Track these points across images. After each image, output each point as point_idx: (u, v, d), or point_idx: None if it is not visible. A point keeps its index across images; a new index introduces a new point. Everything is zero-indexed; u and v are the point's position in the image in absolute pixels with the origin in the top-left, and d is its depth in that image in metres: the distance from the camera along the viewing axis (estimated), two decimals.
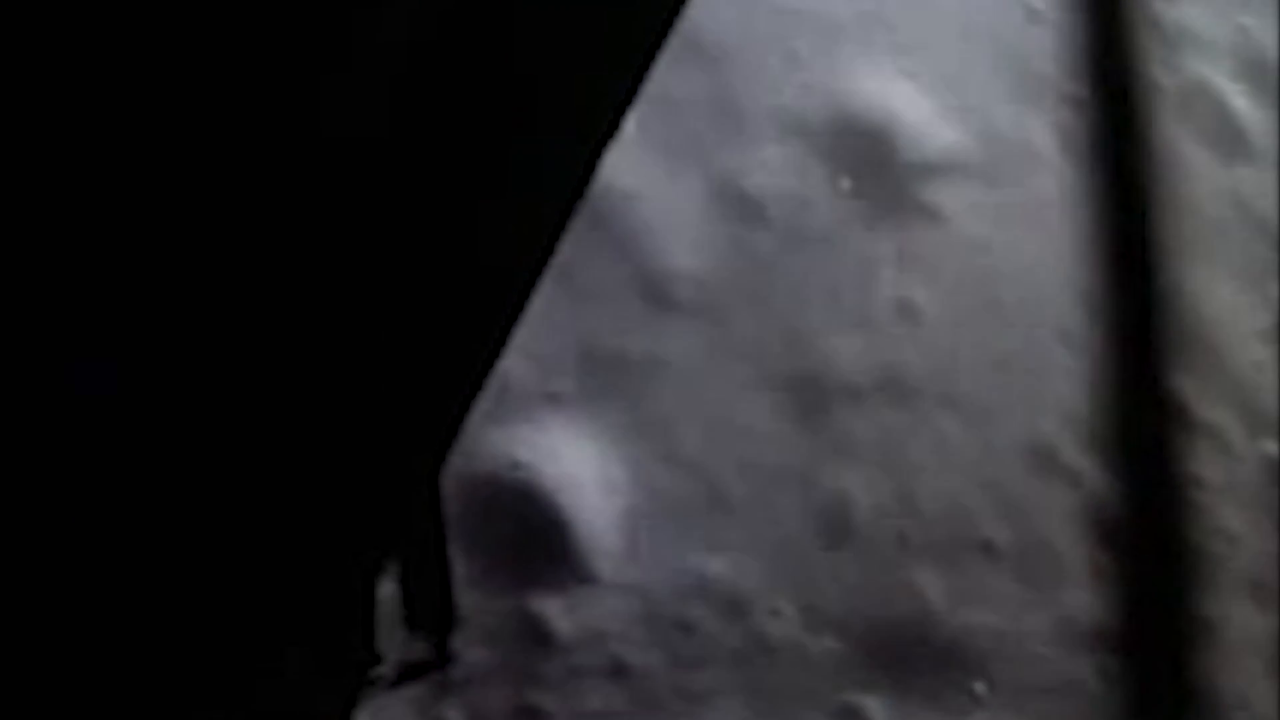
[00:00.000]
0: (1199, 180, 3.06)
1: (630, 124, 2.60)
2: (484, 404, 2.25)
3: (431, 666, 1.94)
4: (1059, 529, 2.59)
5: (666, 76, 2.68)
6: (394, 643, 1.96)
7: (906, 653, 2.38)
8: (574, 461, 2.29)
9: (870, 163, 2.76)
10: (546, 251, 2.26)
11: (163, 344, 1.82)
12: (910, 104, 2.86)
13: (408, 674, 1.92)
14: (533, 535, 2.23)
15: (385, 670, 1.93)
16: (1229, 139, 3.13)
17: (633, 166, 2.57)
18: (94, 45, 1.87)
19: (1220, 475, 2.76)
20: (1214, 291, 2.94)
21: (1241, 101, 3.19)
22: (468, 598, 2.12)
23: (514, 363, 2.30)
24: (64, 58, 1.86)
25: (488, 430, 2.24)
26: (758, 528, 2.37)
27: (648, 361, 2.41)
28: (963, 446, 2.57)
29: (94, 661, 1.71)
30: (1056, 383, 2.70)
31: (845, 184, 2.71)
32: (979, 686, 2.40)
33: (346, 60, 2.01)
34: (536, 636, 2.13)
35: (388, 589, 1.98)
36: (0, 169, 1.83)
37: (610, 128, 2.41)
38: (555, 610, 2.17)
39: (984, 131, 2.90)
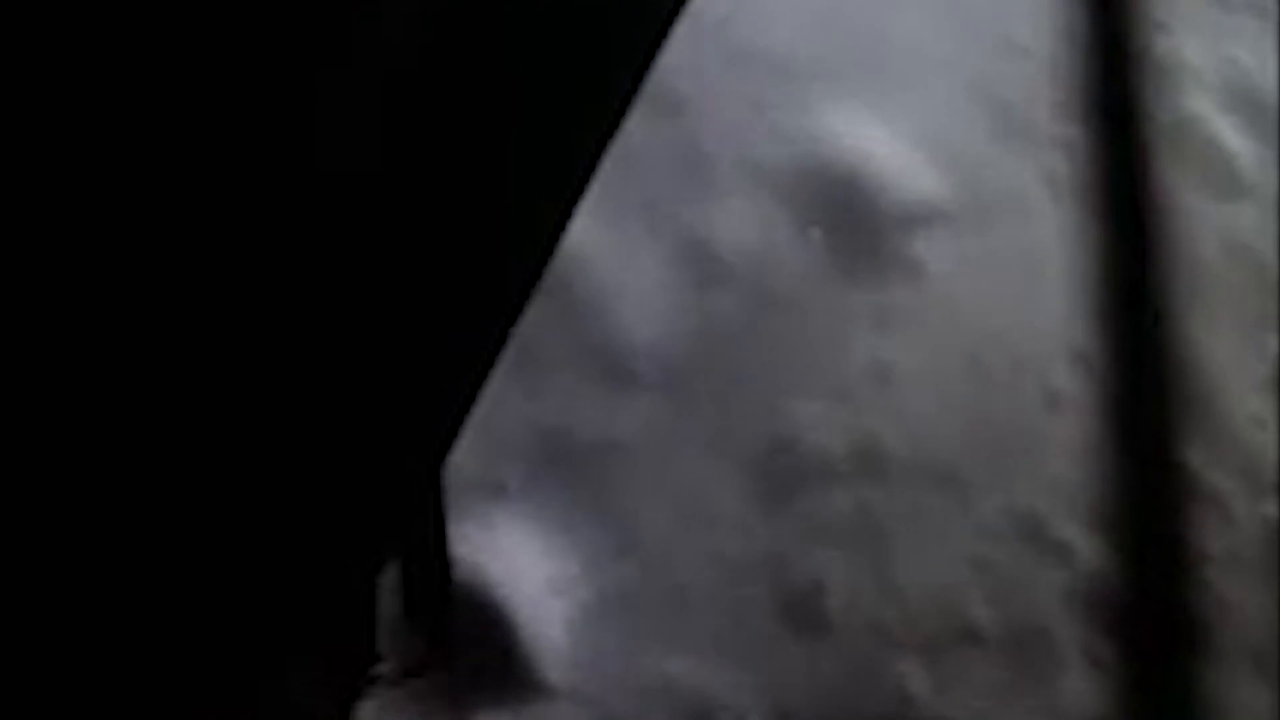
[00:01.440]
0: (1193, 222, 2.83)
1: None
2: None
3: (431, 666, 1.87)
4: (1050, 610, 2.35)
5: (624, 126, 2.44)
6: (394, 643, 1.86)
7: None
8: (520, 557, 2.05)
9: (843, 214, 2.52)
10: (548, 251, 2.10)
11: (161, 344, 1.76)
12: (885, 149, 2.62)
13: (408, 674, 1.85)
14: (475, 641, 1.99)
15: (385, 670, 1.83)
16: (1224, 177, 2.90)
17: (587, 226, 2.33)
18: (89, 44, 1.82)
19: (1221, 544, 2.53)
20: (1211, 343, 2.70)
21: (1234, 136, 2.96)
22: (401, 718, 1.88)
23: (455, 448, 2.06)
24: (56, 60, 1.81)
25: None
26: (723, 622, 2.13)
27: (603, 444, 2.17)
28: (946, 523, 2.34)
29: (94, 662, 1.65)
30: (1046, 449, 2.46)
31: (816, 238, 2.47)
32: None
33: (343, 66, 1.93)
34: None
35: (388, 589, 1.87)
36: None
37: (578, 189, 2.19)
38: None
39: (965, 177, 2.66)
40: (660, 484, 2.17)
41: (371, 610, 1.83)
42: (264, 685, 1.70)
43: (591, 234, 2.34)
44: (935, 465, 2.36)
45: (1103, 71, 2.92)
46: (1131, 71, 2.94)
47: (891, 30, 2.73)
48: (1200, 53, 3.01)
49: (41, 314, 1.75)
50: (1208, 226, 2.83)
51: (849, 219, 2.51)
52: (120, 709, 1.65)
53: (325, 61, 1.92)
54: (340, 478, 1.81)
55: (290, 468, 1.78)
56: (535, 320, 2.23)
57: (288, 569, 1.74)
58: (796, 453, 2.28)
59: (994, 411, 2.45)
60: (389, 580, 1.87)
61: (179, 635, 1.69)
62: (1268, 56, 3.06)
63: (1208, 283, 2.76)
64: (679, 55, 2.56)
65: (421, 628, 1.90)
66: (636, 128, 2.46)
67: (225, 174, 1.84)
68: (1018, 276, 2.59)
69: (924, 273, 2.51)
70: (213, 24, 1.86)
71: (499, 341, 2.01)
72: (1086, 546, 2.41)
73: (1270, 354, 2.74)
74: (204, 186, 1.84)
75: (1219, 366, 2.68)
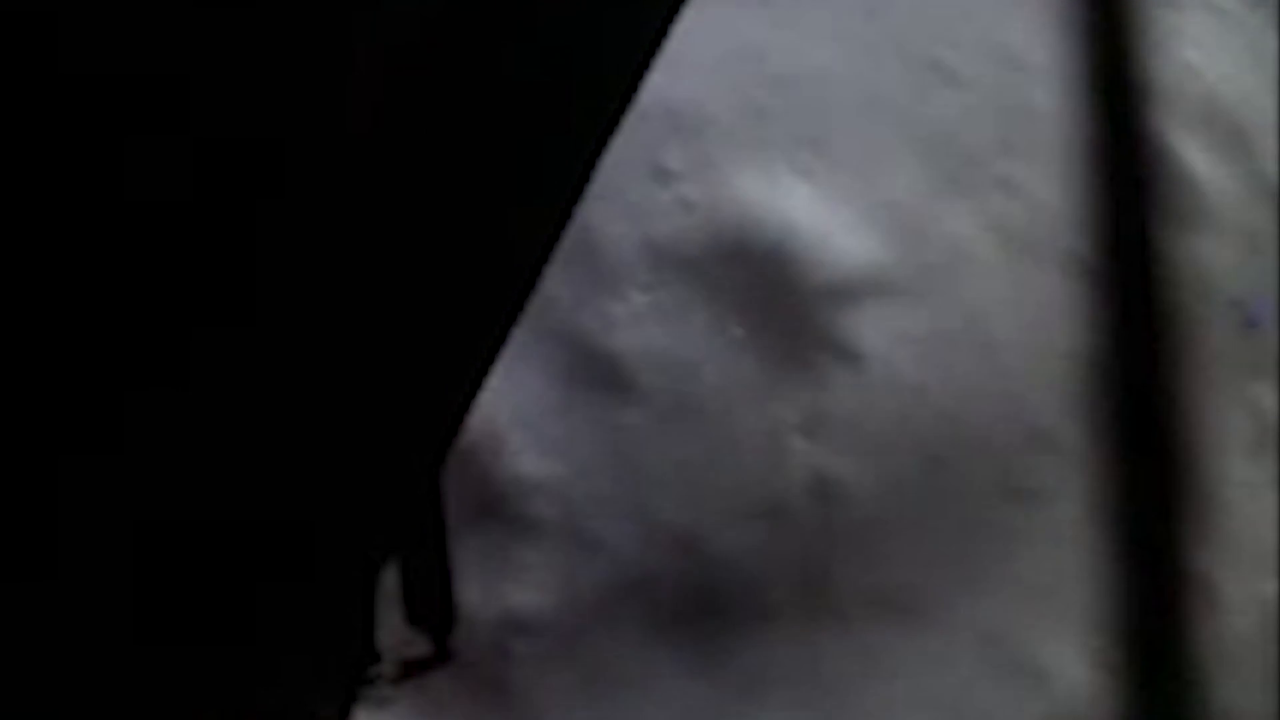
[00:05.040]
0: (1160, 262, 2.46)
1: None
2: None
3: (431, 664, 1.77)
4: None
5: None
6: (394, 641, 1.74)
7: None
8: None
9: (766, 296, 2.13)
10: (547, 249, 1.96)
11: (163, 344, 1.74)
12: (811, 211, 2.22)
13: (408, 672, 1.76)
14: None
15: (385, 669, 1.73)
16: (1189, 205, 2.53)
17: None
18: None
19: (1215, 639, 2.18)
20: (1193, 404, 2.34)
21: (1198, 156, 2.58)
22: None
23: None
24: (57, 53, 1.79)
25: None
26: None
27: (500, 620, 1.78)
28: (906, 661, 1.96)
29: (95, 662, 1.62)
30: (1013, 555, 2.09)
31: (737, 331, 2.08)
32: None
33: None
34: None
35: (388, 587, 1.75)
36: None
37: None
38: None
39: (903, 234, 2.27)
40: (566, 656, 1.78)
41: (371, 610, 1.75)
42: (264, 685, 1.65)
43: None
44: (890, 592, 1.99)
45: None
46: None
47: (811, 69, 2.33)
48: (1154, 61, 2.63)
49: (43, 300, 1.73)
50: (1177, 260, 2.46)
51: (773, 303, 2.11)
52: (121, 709, 1.61)
53: (326, 65, 1.87)
54: (341, 478, 1.75)
55: (291, 469, 1.74)
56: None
57: (289, 569, 1.70)
58: (728, 594, 1.90)
59: (952, 517, 2.07)
60: (389, 581, 1.76)
61: (179, 635, 1.65)
62: (1225, 59, 2.69)
63: (1183, 329, 2.40)
64: None
65: (421, 629, 1.79)
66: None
67: (231, 154, 1.81)
68: (969, 350, 2.21)
69: (863, 358, 2.12)
70: (213, 24, 1.83)
71: (499, 339, 1.88)
72: (1064, 667, 2.05)
73: (1259, 409, 2.37)
74: (205, 188, 1.80)
75: (1204, 432, 2.32)
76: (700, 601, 1.86)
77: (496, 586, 1.75)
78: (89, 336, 1.74)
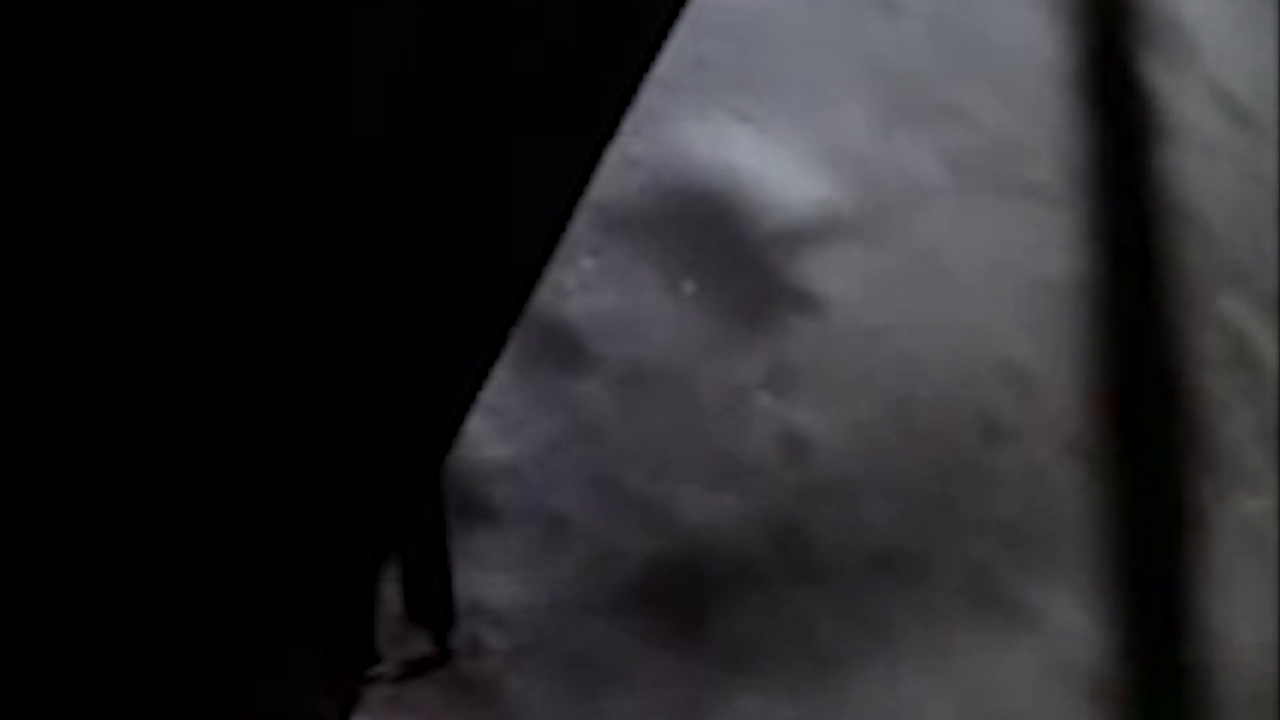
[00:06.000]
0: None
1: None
2: None
3: (432, 664, 1.74)
4: (1024, 696, 1.92)
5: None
6: (395, 641, 1.70)
7: None
8: None
9: (717, 249, 2.04)
10: (550, 246, 1.93)
11: (162, 343, 1.74)
12: (756, 157, 2.13)
13: (408, 672, 1.73)
14: None
15: (385, 670, 1.69)
16: (1146, 120, 2.45)
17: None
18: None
19: (1204, 561, 2.12)
20: (1164, 320, 2.27)
21: (1156, 71, 2.51)
22: None
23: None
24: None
25: None
26: None
27: (468, 609, 1.69)
28: (891, 617, 1.89)
29: (94, 661, 1.61)
30: (991, 494, 2.02)
31: (689, 287, 1.99)
32: None
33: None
34: None
35: (389, 586, 1.71)
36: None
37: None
38: None
39: (853, 172, 2.18)
40: (544, 649, 1.70)
41: (371, 610, 1.73)
42: (264, 685, 1.64)
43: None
44: (869, 545, 1.91)
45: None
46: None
47: (749, 11, 2.22)
48: None
49: (42, 301, 1.72)
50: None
51: (726, 255, 2.02)
52: (120, 708, 1.60)
53: (326, 65, 1.86)
54: (340, 477, 1.74)
55: (291, 466, 1.73)
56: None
57: (288, 568, 1.69)
58: (705, 563, 1.82)
59: (927, 462, 1.99)
60: (389, 580, 1.73)
61: (178, 633, 1.64)
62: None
63: (1150, 248, 2.32)
64: None
65: (421, 628, 1.75)
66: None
67: (231, 151, 1.81)
68: (931, 287, 2.13)
69: (824, 305, 2.04)
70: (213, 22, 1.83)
71: (500, 336, 1.84)
72: (1052, 605, 1.98)
73: (1228, 323, 2.31)
74: (211, 172, 1.80)
75: (1178, 350, 2.25)
76: (677, 574, 1.79)
77: (465, 578, 1.67)
78: (90, 337, 1.72)
